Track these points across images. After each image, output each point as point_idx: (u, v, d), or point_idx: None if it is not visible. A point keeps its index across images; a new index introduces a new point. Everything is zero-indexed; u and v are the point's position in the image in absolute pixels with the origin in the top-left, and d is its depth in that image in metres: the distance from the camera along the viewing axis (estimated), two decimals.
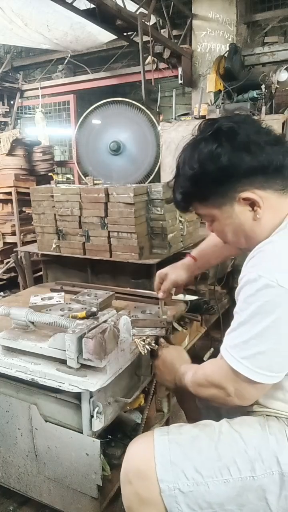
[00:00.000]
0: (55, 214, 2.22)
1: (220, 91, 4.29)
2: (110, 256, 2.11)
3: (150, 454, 1.03)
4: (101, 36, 5.27)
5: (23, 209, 4.40)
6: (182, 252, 2.33)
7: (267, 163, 0.96)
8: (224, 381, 1.02)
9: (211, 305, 2.32)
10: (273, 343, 0.93)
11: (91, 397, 1.24)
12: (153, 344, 1.42)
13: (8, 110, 6.70)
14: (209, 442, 1.04)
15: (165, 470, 1.01)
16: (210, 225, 1.12)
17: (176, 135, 4.23)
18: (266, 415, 1.07)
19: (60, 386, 1.23)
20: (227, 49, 4.50)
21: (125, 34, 4.62)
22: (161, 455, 1.03)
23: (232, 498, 0.99)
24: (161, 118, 4.74)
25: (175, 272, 1.53)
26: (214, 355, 2.57)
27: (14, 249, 2.98)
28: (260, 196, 0.98)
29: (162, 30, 4.95)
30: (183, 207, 1.12)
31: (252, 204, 0.99)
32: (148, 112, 4.22)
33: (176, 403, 1.64)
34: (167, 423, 2.00)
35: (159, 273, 1.57)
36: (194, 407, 1.50)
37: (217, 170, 0.97)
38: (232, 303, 3.16)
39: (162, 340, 1.49)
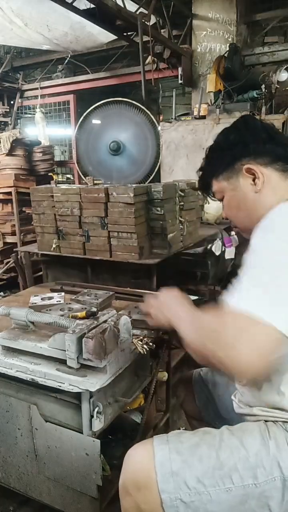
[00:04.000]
0: (55, 214, 2.22)
1: (220, 91, 4.29)
2: (110, 256, 2.11)
3: (150, 464, 1.01)
4: (101, 36, 5.27)
5: (23, 209, 4.40)
6: (182, 251, 2.33)
7: (271, 148, 1.12)
8: (222, 324, 0.90)
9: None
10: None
11: (91, 397, 1.24)
12: (151, 344, 1.42)
13: (8, 110, 6.71)
14: (209, 450, 1.02)
15: (166, 481, 0.99)
16: (224, 207, 1.23)
17: (176, 135, 4.23)
18: (265, 420, 1.06)
19: (60, 386, 1.23)
20: (227, 49, 4.50)
21: (125, 34, 4.62)
22: (161, 465, 1.00)
23: (234, 506, 0.98)
24: (161, 118, 4.74)
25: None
26: None
27: (14, 249, 2.98)
28: (261, 172, 1.10)
29: (162, 30, 4.95)
30: (202, 185, 1.27)
31: (254, 178, 1.11)
32: (148, 112, 4.22)
33: (176, 404, 1.64)
34: (167, 423, 2.00)
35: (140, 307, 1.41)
36: (194, 407, 1.51)
37: (228, 144, 1.15)
38: None
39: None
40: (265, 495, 0.97)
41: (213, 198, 1.27)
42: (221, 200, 1.22)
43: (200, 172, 1.26)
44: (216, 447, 1.02)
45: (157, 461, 1.01)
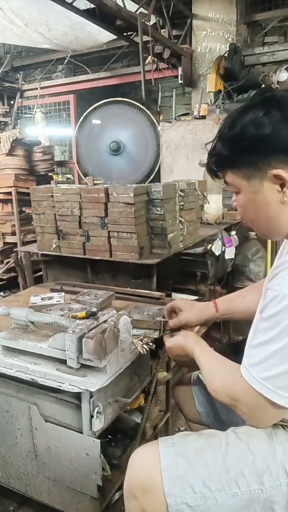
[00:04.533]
0: (55, 214, 2.22)
1: (220, 91, 4.29)
2: (110, 256, 2.11)
3: (155, 467, 1.00)
4: (101, 36, 5.27)
5: (23, 209, 4.40)
6: (182, 251, 2.33)
7: None
8: (241, 399, 0.98)
9: None
10: None
11: (91, 397, 1.24)
12: (151, 344, 1.41)
13: (8, 110, 6.71)
14: (216, 454, 1.01)
15: (172, 484, 0.98)
16: (235, 200, 1.06)
17: (176, 135, 4.23)
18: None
19: (60, 386, 1.23)
20: (227, 49, 4.50)
21: (125, 34, 4.62)
22: (167, 469, 0.99)
23: (239, 510, 0.98)
24: (161, 118, 4.74)
25: (190, 314, 1.38)
26: None
27: (14, 249, 2.98)
28: None
29: (162, 30, 4.95)
30: (214, 172, 1.05)
31: (283, 184, 0.93)
32: (148, 112, 4.22)
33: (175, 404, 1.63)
34: (167, 423, 2.00)
35: (174, 304, 1.43)
36: (193, 410, 1.49)
37: (257, 137, 0.92)
38: None
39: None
40: (271, 500, 0.97)
41: (216, 180, 1.10)
42: (234, 192, 1.05)
43: (211, 152, 1.03)
44: (222, 451, 1.01)
45: (163, 465, 1.00)
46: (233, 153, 0.97)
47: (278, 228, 0.99)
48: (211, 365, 1.12)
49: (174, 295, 2.30)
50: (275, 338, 0.89)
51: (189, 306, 1.41)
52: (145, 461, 1.04)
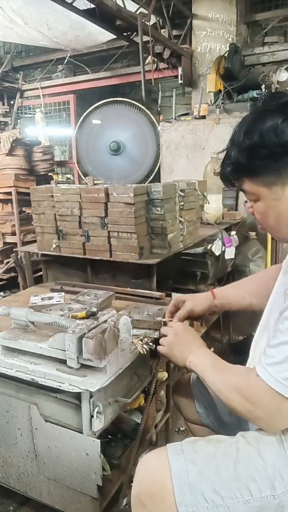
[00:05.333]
0: (55, 214, 2.22)
1: (220, 91, 4.28)
2: (110, 256, 2.11)
3: (165, 475, 0.98)
4: (101, 35, 5.27)
5: (23, 209, 4.40)
6: (182, 251, 2.33)
7: None
8: (258, 400, 0.94)
9: None
10: None
11: (91, 397, 1.24)
12: (151, 344, 1.41)
13: (8, 110, 6.70)
14: (226, 460, 0.99)
15: (183, 493, 0.96)
16: (251, 206, 1.05)
17: (176, 135, 4.23)
18: None
19: (60, 386, 1.23)
20: (227, 49, 4.49)
21: (125, 34, 4.61)
22: (178, 477, 0.97)
23: None
24: (161, 118, 4.73)
25: (194, 301, 1.41)
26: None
27: (14, 249, 2.98)
28: None
29: (162, 30, 4.95)
30: (231, 181, 1.04)
31: None
32: (148, 112, 4.22)
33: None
34: (167, 424, 2.01)
35: (177, 298, 1.46)
36: (193, 411, 1.49)
37: (278, 144, 0.91)
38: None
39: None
40: (282, 505, 0.96)
41: (232, 188, 1.09)
42: (251, 200, 1.04)
43: (226, 160, 1.01)
44: (232, 457, 1.00)
45: (174, 473, 0.98)
46: (253, 161, 0.96)
47: None
48: (218, 375, 1.06)
49: (174, 295, 2.30)
50: None
51: (192, 296, 1.44)
52: (154, 468, 1.02)
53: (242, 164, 0.98)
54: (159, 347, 1.27)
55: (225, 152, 1.02)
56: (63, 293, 1.90)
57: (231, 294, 1.42)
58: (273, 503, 0.96)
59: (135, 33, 4.42)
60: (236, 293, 1.41)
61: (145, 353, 1.40)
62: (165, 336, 1.27)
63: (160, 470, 1.00)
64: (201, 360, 1.12)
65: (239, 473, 0.97)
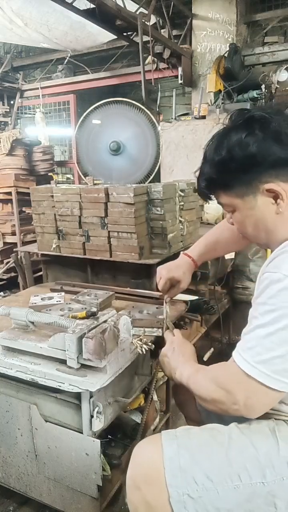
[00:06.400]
0: (55, 214, 2.22)
1: (220, 91, 4.29)
2: (110, 256, 2.11)
3: (158, 459, 1.01)
4: (101, 36, 5.27)
5: (23, 209, 4.40)
6: (182, 251, 2.33)
7: None
8: (234, 387, 0.95)
9: (211, 305, 2.32)
10: None
11: (91, 397, 1.24)
12: (150, 344, 1.41)
13: (8, 110, 6.70)
14: (218, 448, 1.02)
15: (174, 476, 0.98)
16: (230, 217, 1.10)
17: (176, 135, 4.23)
18: (275, 418, 1.05)
19: (60, 386, 1.23)
20: (227, 49, 4.50)
21: (125, 34, 4.62)
22: (170, 460, 1.00)
23: (241, 503, 0.98)
24: (161, 118, 4.74)
25: (184, 278, 1.47)
26: (214, 355, 2.58)
27: (14, 249, 2.98)
28: (284, 190, 0.96)
29: (162, 30, 4.95)
30: (206, 195, 1.10)
31: (276, 196, 0.97)
32: (148, 112, 4.23)
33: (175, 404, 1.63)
34: (167, 424, 2.00)
35: (166, 275, 1.48)
36: (194, 410, 1.49)
37: (244, 157, 0.96)
38: (232, 303, 3.18)
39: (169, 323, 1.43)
40: (273, 494, 0.97)
41: (209, 202, 1.15)
42: (229, 212, 1.08)
43: (201, 177, 1.07)
44: (225, 445, 1.02)
45: (166, 456, 1.00)
46: (224, 175, 1.01)
47: (277, 237, 1.02)
48: (201, 376, 1.08)
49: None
50: (274, 320, 0.89)
51: (177, 270, 1.48)
52: (148, 453, 1.05)
53: (214, 179, 1.04)
54: (159, 358, 1.32)
55: (199, 168, 1.08)
56: (63, 293, 1.90)
57: (206, 254, 1.53)
58: (263, 491, 0.97)
59: (135, 33, 4.42)
60: (208, 250, 1.52)
61: (144, 353, 1.40)
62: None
63: (154, 454, 1.03)
64: (185, 369, 1.15)
65: (230, 460, 0.99)
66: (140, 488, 1.02)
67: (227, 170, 0.99)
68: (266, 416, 1.07)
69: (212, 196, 1.09)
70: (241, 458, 0.99)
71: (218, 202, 1.09)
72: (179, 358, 1.20)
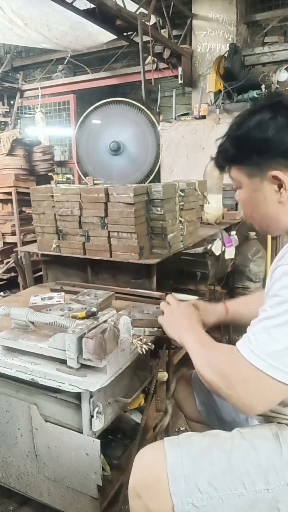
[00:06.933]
0: (55, 214, 2.21)
1: (220, 91, 4.29)
2: (110, 256, 2.11)
3: (161, 467, 0.99)
4: (101, 36, 5.27)
5: (23, 209, 4.40)
6: (182, 251, 2.33)
7: None
8: (238, 377, 0.91)
9: None
10: None
11: (91, 397, 1.24)
12: (150, 344, 1.41)
13: (8, 110, 6.70)
14: (221, 454, 1.00)
15: (178, 484, 0.97)
16: (237, 194, 1.11)
17: (176, 135, 4.23)
18: (278, 422, 1.04)
19: (60, 386, 1.23)
20: (227, 49, 4.50)
21: (125, 34, 4.62)
22: (173, 468, 0.99)
23: (245, 510, 0.97)
24: (161, 118, 4.74)
25: (205, 314, 1.36)
26: None
27: (14, 249, 2.97)
28: None
29: (162, 30, 4.96)
30: (221, 165, 1.11)
31: (280, 185, 0.98)
32: (148, 112, 4.22)
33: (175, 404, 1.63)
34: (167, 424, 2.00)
35: (194, 303, 1.39)
36: (194, 409, 1.49)
37: (261, 139, 0.97)
38: None
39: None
40: (276, 499, 0.96)
41: (221, 172, 1.13)
42: (237, 187, 1.10)
43: (219, 147, 1.09)
44: (227, 450, 1.00)
45: (169, 464, 0.99)
46: (238, 152, 1.03)
47: (278, 225, 1.03)
48: (203, 353, 1.05)
49: (174, 295, 2.30)
50: (281, 311, 0.87)
51: (204, 307, 1.39)
52: (150, 461, 1.04)
53: (230, 153, 1.05)
54: (159, 317, 1.31)
55: (221, 139, 1.10)
56: (63, 293, 1.90)
57: (244, 312, 1.37)
58: (267, 497, 0.96)
59: (135, 33, 4.42)
60: (248, 310, 1.35)
61: (144, 353, 1.40)
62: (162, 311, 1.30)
63: (156, 462, 1.01)
64: (190, 335, 1.13)
65: (233, 466, 0.98)
66: (141, 496, 1.01)
67: (242, 148, 1.01)
68: (268, 420, 1.06)
69: (226, 168, 1.10)
70: (243, 464, 0.98)
71: (229, 176, 1.10)
72: (183, 321, 1.19)
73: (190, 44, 5.25)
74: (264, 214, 1.04)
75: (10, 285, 4.22)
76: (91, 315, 1.35)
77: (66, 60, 6.36)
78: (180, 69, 5.05)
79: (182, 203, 2.28)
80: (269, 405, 0.95)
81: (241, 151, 1.02)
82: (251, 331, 0.92)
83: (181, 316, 1.22)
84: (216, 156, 1.11)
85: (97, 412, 1.24)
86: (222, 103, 4.16)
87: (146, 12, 4.23)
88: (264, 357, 0.87)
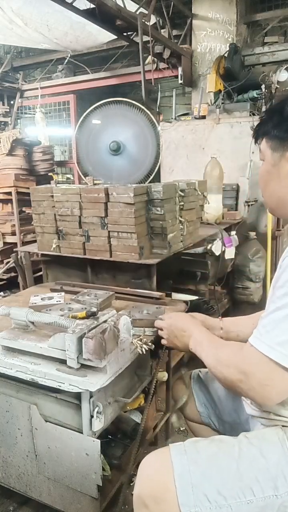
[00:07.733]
0: (55, 214, 2.21)
1: (220, 91, 4.28)
2: (110, 256, 2.11)
3: (168, 476, 0.97)
4: (101, 36, 5.27)
5: (23, 209, 4.40)
6: (182, 251, 2.33)
7: None
8: (251, 369, 0.92)
9: (211, 305, 2.31)
10: None
11: (91, 397, 1.24)
12: (150, 344, 1.41)
13: (8, 110, 6.70)
14: (229, 461, 0.99)
15: (186, 494, 0.95)
16: (259, 172, 1.15)
17: (176, 135, 4.23)
18: (283, 426, 1.04)
19: (60, 386, 1.23)
20: (227, 49, 4.49)
21: (125, 34, 4.61)
22: (181, 477, 0.97)
23: None
24: (161, 118, 4.73)
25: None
26: None
27: (14, 249, 2.97)
28: None
29: (162, 30, 4.95)
30: (255, 135, 1.14)
31: None
32: (148, 112, 4.22)
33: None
34: (167, 423, 2.00)
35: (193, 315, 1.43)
36: (194, 410, 1.49)
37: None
38: (232, 303, 3.18)
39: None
40: (285, 505, 0.96)
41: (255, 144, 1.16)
42: (261, 160, 1.13)
43: (261, 116, 1.15)
44: (235, 457, 0.99)
45: (176, 473, 0.97)
46: (270, 121, 1.07)
47: (285, 207, 1.05)
48: (214, 352, 1.07)
49: (174, 295, 2.30)
50: None
51: (205, 319, 1.40)
52: (156, 469, 1.02)
53: (263, 123, 1.09)
54: (162, 341, 1.34)
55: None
56: (63, 293, 1.90)
57: (232, 330, 1.39)
58: (276, 503, 0.96)
59: (135, 33, 4.42)
60: (237, 330, 1.38)
61: (144, 353, 1.40)
62: (161, 330, 1.33)
63: (163, 470, 0.99)
64: (197, 340, 1.16)
65: (241, 473, 0.97)
66: (147, 506, 0.99)
67: (273, 119, 1.05)
68: (272, 423, 1.06)
69: (259, 140, 1.12)
70: (251, 470, 0.97)
71: (259, 149, 1.13)
72: (185, 332, 1.22)
73: (190, 44, 5.24)
74: (274, 192, 1.07)
75: (10, 285, 4.22)
76: (91, 315, 1.35)
77: (66, 60, 6.36)
78: (180, 69, 5.04)
79: (182, 203, 2.28)
80: (283, 395, 0.95)
81: (271, 121, 1.05)
82: (261, 325, 0.94)
83: (178, 331, 1.25)
84: (255, 127, 1.15)
85: (97, 412, 1.24)
86: (222, 103, 4.16)
87: (146, 12, 4.22)
88: (275, 346, 0.88)
